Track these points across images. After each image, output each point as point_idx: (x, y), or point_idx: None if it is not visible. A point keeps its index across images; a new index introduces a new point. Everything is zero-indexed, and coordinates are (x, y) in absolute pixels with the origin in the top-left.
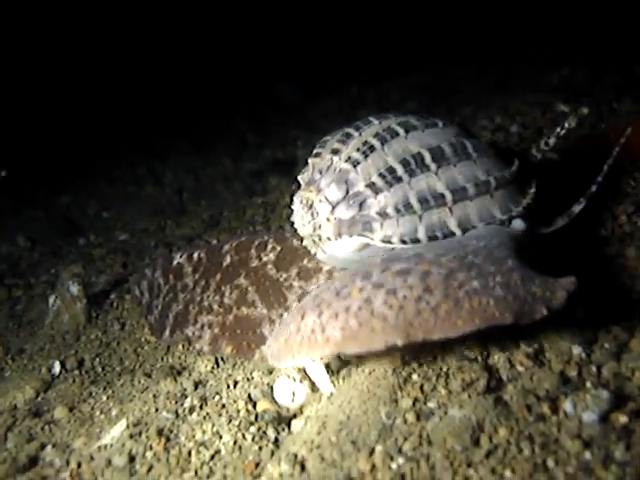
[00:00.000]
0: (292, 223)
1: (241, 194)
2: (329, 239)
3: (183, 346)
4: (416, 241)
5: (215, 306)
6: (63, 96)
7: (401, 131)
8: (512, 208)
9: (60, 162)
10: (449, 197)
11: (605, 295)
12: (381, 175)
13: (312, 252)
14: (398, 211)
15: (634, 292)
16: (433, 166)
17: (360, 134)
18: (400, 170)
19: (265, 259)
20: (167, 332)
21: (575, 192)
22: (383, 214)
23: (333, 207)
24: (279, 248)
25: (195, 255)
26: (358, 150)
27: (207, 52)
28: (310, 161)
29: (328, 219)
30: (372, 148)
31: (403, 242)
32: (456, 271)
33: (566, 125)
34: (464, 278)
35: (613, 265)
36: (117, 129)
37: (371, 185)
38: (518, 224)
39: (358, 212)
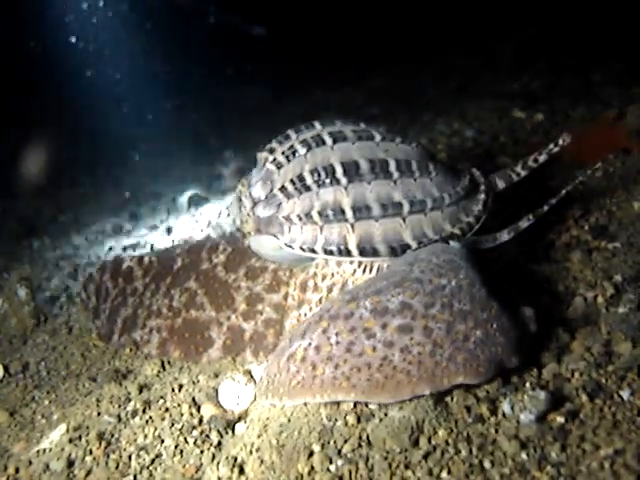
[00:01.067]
0: (228, 213)
1: (198, 197)
2: (249, 234)
3: (130, 350)
4: (313, 251)
5: (164, 310)
6: (24, 95)
7: (329, 141)
8: (427, 236)
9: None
10: (350, 214)
11: (549, 298)
12: (292, 181)
13: (245, 244)
14: (300, 219)
15: (577, 295)
16: (344, 180)
17: (297, 137)
18: (309, 179)
19: (216, 261)
20: (115, 336)
21: (524, 203)
22: (289, 219)
23: (255, 204)
24: (230, 249)
25: (146, 259)
26: (283, 153)
27: (171, 52)
28: (257, 156)
29: (249, 214)
30: (296, 153)
31: (302, 249)
32: (453, 323)
33: (560, 142)
34: (465, 330)
35: (558, 268)
36: (78, 132)
37: (284, 189)
38: (452, 244)
39: (275, 213)
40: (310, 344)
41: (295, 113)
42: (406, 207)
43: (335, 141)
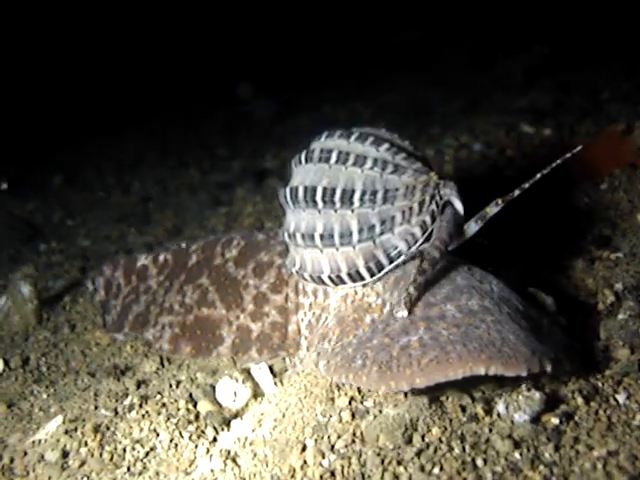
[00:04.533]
0: None
1: (207, 204)
2: None
3: (131, 346)
4: None
5: (176, 306)
6: (34, 99)
7: (303, 160)
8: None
9: (29, 168)
10: (288, 239)
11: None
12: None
13: None
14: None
15: (578, 302)
16: (291, 206)
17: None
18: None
19: (228, 256)
20: (125, 331)
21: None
22: None
23: None
24: (243, 243)
25: (161, 257)
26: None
27: (181, 66)
28: None
29: None
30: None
31: None
32: (527, 320)
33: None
34: (538, 325)
35: (560, 276)
36: (89, 140)
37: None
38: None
39: None
40: (422, 337)
41: (302, 127)
42: (317, 239)
43: (306, 161)
